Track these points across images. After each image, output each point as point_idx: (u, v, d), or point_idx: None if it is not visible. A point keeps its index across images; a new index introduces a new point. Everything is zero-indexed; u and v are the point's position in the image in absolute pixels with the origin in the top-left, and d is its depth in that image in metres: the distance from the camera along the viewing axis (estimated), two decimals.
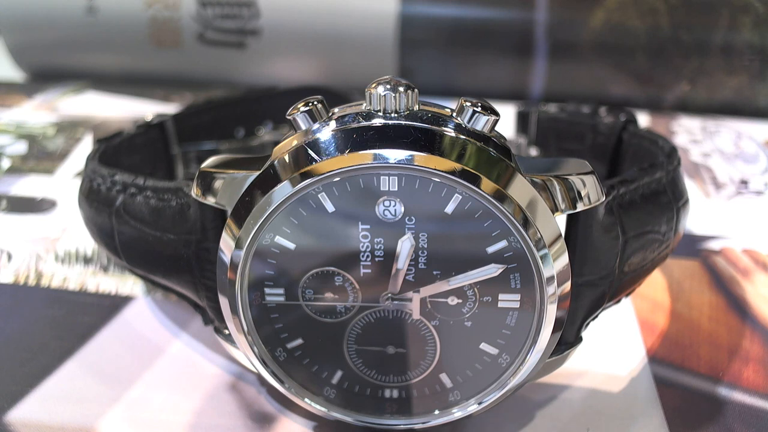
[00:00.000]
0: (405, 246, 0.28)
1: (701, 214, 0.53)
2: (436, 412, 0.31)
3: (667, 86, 0.74)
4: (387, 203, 0.28)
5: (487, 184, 0.26)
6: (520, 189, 0.27)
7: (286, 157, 0.27)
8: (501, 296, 0.29)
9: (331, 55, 0.76)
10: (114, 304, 0.41)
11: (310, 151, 0.27)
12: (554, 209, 0.28)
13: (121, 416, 0.33)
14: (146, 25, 0.77)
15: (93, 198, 0.37)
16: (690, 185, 0.51)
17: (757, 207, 0.55)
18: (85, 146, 0.64)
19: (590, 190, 0.28)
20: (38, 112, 0.72)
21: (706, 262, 0.46)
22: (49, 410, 0.33)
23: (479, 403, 0.31)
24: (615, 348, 0.38)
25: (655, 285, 0.43)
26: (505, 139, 0.28)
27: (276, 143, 0.29)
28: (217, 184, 0.29)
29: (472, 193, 0.27)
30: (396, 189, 0.28)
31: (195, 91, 0.78)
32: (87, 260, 0.45)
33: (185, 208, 0.32)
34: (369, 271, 0.29)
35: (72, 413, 0.33)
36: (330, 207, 0.28)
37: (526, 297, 0.29)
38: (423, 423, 0.31)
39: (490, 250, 0.28)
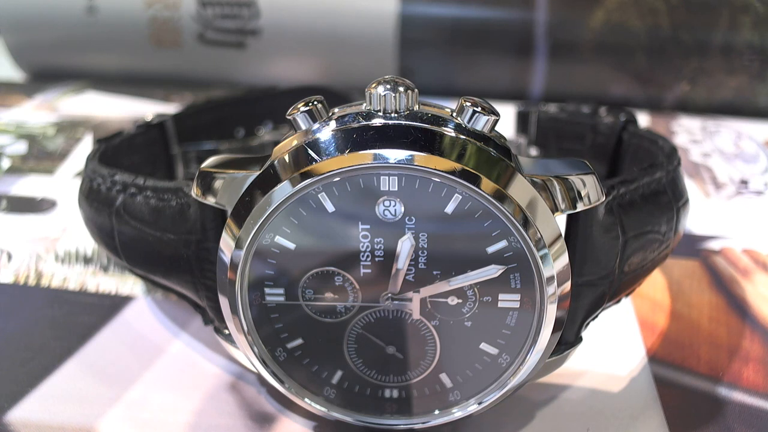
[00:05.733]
0: (405, 246, 0.28)
1: (701, 214, 0.53)
2: (436, 412, 0.31)
3: (667, 86, 0.74)
4: (387, 203, 0.28)
5: (487, 184, 0.26)
6: (520, 189, 0.27)
7: (286, 157, 0.27)
8: (501, 296, 0.29)
9: (331, 55, 0.76)
10: (114, 304, 0.41)
11: (310, 151, 0.27)
12: (554, 209, 0.28)
13: (121, 416, 0.33)
14: (146, 25, 0.77)
15: (93, 198, 0.37)
16: (690, 185, 0.51)
17: (757, 207, 0.55)
18: (85, 146, 0.64)
19: (590, 190, 0.28)
20: (38, 112, 0.72)
21: (706, 262, 0.46)
22: (49, 410, 0.33)
23: (479, 403, 0.31)
24: (615, 348, 0.38)
25: (655, 285, 0.43)
26: (505, 139, 0.28)
27: (276, 143, 0.29)
28: (217, 184, 0.29)
29: (472, 193, 0.27)
30: (396, 189, 0.28)
31: (195, 91, 0.78)
32: (87, 260, 0.45)
33: (185, 208, 0.32)
34: (369, 271, 0.29)
35: (72, 413, 0.33)
36: (330, 207, 0.28)
37: (526, 297, 0.29)
38: (423, 423, 0.31)
39: (490, 250, 0.28)
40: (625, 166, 0.46)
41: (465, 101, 0.27)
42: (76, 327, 0.39)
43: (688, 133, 0.69)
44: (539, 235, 0.27)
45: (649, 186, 0.33)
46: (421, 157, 0.26)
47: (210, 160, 0.30)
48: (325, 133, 0.27)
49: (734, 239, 0.49)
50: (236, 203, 0.28)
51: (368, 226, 0.28)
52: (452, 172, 0.26)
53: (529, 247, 0.27)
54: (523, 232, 0.27)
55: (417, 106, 0.28)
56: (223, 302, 0.30)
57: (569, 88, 0.75)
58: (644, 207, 0.33)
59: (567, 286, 0.28)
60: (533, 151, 0.54)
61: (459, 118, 0.27)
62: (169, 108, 0.71)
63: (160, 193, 0.33)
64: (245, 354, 0.31)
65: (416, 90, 0.28)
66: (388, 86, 0.27)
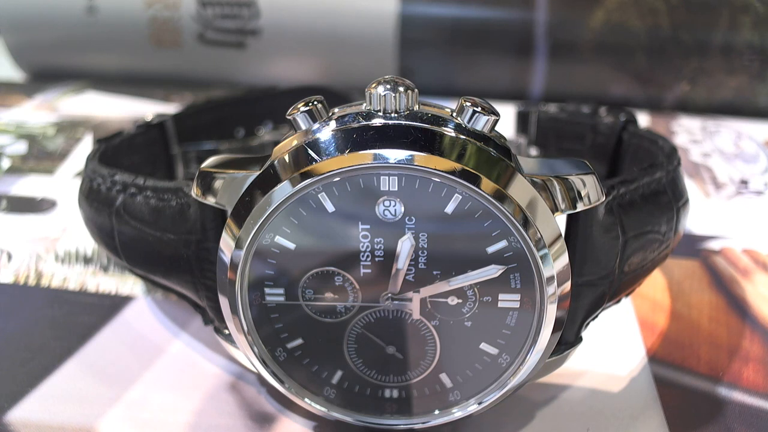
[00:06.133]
0: (405, 246, 0.28)
1: (701, 214, 0.53)
2: (436, 412, 0.31)
3: (667, 86, 0.74)
4: (387, 203, 0.28)
5: (487, 184, 0.26)
6: (520, 189, 0.27)
7: (286, 157, 0.27)
8: (501, 296, 0.29)
9: (331, 55, 0.76)
10: (114, 304, 0.41)
11: (310, 151, 0.27)
12: (554, 209, 0.28)
13: (121, 416, 0.33)
14: (146, 25, 0.77)
15: (93, 198, 0.37)
16: (690, 185, 0.51)
17: (757, 207, 0.55)
18: (85, 146, 0.64)
19: (590, 190, 0.28)
20: (38, 112, 0.72)
21: (706, 262, 0.46)
22: (49, 410, 0.33)
23: (479, 403, 0.31)
24: (615, 348, 0.38)
25: (655, 285, 0.43)
26: (505, 139, 0.28)
27: (276, 143, 0.29)
28: (217, 184, 0.29)
29: (472, 193, 0.27)
30: (396, 189, 0.28)
31: (195, 91, 0.78)
32: (87, 260, 0.45)
33: (185, 208, 0.32)
34: (369, 271, 0.29)
35: (72, 413, 0.33)
36: (330, 207, 0.28)
37: (526, 297, 0.29)
38: (423, 423, 0.31)
39: (490, 250, 0.28)
40: (625, 166, 0.46)
41: (465, 101, 0.27)
42: (76, 327, 0.39)
43: (688, 133, 0.69)
44: (539, 235, 0.27)
45: (649, 186, 0.33)
46: (421, 157, 0.26)
47: (210, 160, 0.30)
48: (325, 133, 0.27)
49: (734, 239, 0.49)
50: (236, 203, 0.28)
51: (368, 226, 0.28)
52: (452, 172, 0.26)
53: (529, 247, 0.27)
54: (523, 232, 0.27)
55: (417, 106, 0.28)
56: (223, 302, 0.30)
57: (569, 88, 0.75)
58: (644, 207, 0.33)
59: (567, 286, 0.28)
60: (533, 151, 0.54)
61: (459, 118, 0.27)
62: (169, 108, 0.71)
63: (160, 193, 0.33)
64: (245, 354, 0.31)
65: (416, 90, 0.28)
66: (388, 86, 0.27)
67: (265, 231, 0.28)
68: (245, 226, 0.28)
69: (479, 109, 0.27)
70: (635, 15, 0.72)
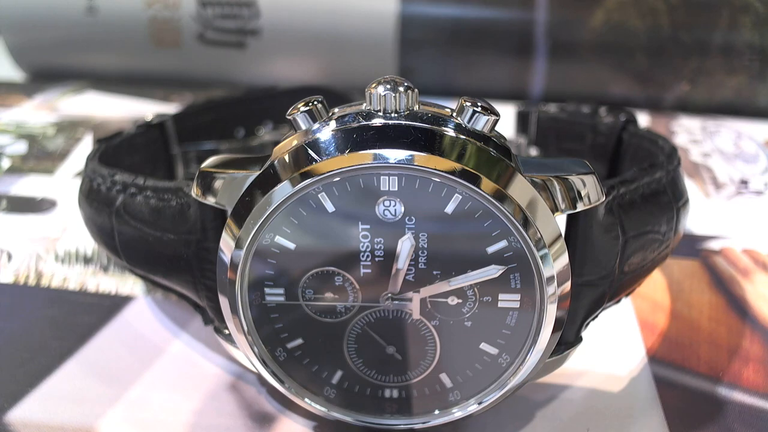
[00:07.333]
0: (405, 246, 0.28)
1: (701, 214, 0.53)
2: (436, 411, 0.31)
3: (667, 86, 0.74)
4: (387, 203, 0.28)
5: (487, 184, 0.26)
6: (520, 189, 0.27)
7: (286, 157, 0.27)
8: (501, 296, 0.29)
9: (331, 55, 0.76)
10: (114, 304, 0.41)
11: (310, 151, 0.27)
12: (554, 209, 0.28)
13: (121, 416, 0.33)
14: (146, 25, 0.77)
15: (93, 198, 0.37)
16: (690, 185, 0.51)
17: (757, 207, 0.55)
18: (85, 146, 0.64)
19: (590, 190, 0.28)
20: (38, 112, 0.72)
21: (706, 262, 0.46)
22: (49, 410, 0.33)
23: (479, 403, 0.31)
24: (615, 348, 0.38)
25: (655, 285, 0.43)
26: (505, 139, 0.28)
27: (276, 143, 0.29)
28: (217, 184, 0.29)
29: (472, 193, 0.27)
30: (396, 189, 0.28)
31: (195, 91, 0.78)
32: (87, 260, 0.45)
33: (185, 208, 0.32)
34: (369, 271, 0.29)
35: (72, 413, 0.33)
36: (330, 207, 0.28)
37: (526, 297, 0.29)
38: (423, 423, 0.31)
39: (490, 250, 0.28)
40: (625, 166, 0.46)
41: (465, 101, 0.27)
42: (76, 327, 0.39)
43: (688, 133, 0.69)
44: (539, 235, 0.27)
45: (649, 186, 0.33)
46: (421, 157, 0.26)
47: (210, 160, 0.30)
48: (325, 133, 0.27)
49: (734, 239, 0.49)
50: (236, 203, 0.28)
51: (368, 226, 0.28)
52: (452, 172, 0.26)
53: (529, 247, 0.27)
54: (523, 232, 0.27)
55: (417, 106, 0.28)
56: (223, 302, 0.30)
57: (569, 88, 0.75)
58: (644, 207, 0.33)
59: (567, 286, 0.28)
60: (533, 151, 0.54)
61: (459, 118, 0.27)
62: (169, 108, 0.71)
63: (160, 193, 0.33)
64: (245, 354, 0.31)
65: (416, 90, 0.28)
66: (388, 86, 0.27)
67: (265, 231, 0.28)
68: (245, 226, 0.28)
69: (479, 109, 0.27)
70: (635, 15, 0.72)
